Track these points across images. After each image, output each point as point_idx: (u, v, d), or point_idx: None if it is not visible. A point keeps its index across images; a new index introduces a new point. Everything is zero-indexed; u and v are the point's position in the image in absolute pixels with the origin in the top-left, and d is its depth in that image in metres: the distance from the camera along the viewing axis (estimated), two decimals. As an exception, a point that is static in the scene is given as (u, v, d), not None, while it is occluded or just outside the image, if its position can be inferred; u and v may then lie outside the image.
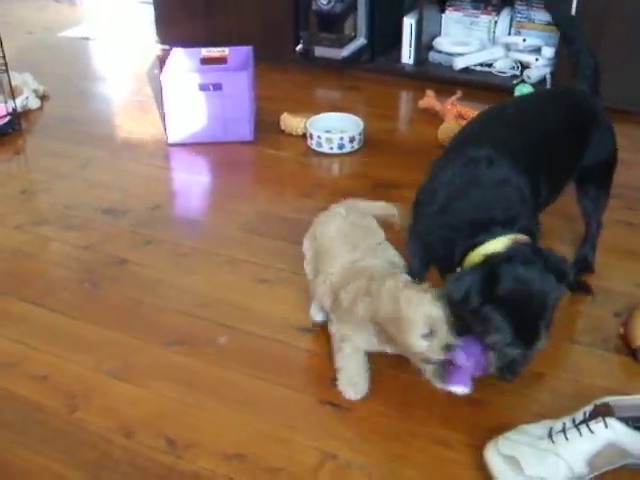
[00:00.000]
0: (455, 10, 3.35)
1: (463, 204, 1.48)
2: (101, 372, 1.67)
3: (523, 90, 2.91)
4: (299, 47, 3.38)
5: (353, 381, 1.58)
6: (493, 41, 3.32)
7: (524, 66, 3.16)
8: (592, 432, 1.35)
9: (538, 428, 1.41)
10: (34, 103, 3.02)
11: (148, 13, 3.80)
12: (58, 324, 1.82)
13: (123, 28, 4.05)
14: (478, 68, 3.23)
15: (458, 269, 1.46)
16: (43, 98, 3.11)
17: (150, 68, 3.47)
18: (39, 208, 2.38)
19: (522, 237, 1.43)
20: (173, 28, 3.56)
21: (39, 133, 2.90)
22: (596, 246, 1.97)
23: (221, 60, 2.80)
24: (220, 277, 1.99)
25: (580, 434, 1.35)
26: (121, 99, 3.19)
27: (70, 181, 2.50)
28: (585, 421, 1.37)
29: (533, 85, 2.99)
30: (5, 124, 2.77)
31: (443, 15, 3.37)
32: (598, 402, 1.40)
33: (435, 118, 2.81)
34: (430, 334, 1.40)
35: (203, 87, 2.62)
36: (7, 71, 2.79)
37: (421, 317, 1.40)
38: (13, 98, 2.82)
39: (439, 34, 3.39)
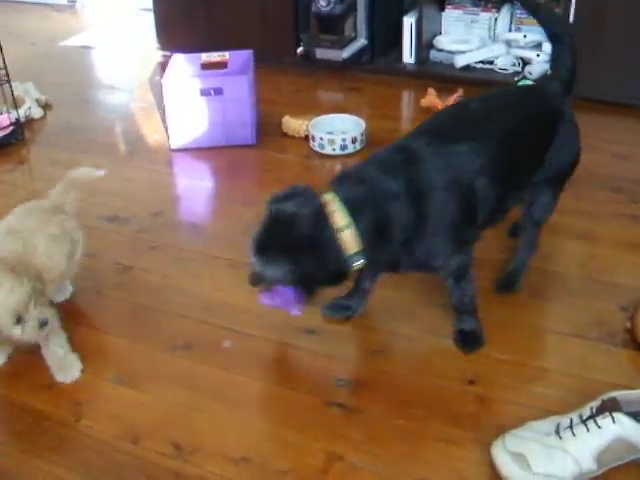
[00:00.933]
0: (455, 8, 3.34)
1: (360, 184, 1.50)
2: (106, 379, 1.68)
3: (525, 86, 2.91)
4: (300, 49, 3.39)
5: None
6: (494, 38, 3.31)
7: (525, 62, 3.15)
8: (600, 427, 1.34)
9: (545, 424, 1.41)
10: (37, 113, 3.03)
11: (148, 20, 3.81)
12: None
13: (124, 36, 4.07)
14: (479, 66, 3.23)
15: None
16: (46, 107, 3.12)
17: (151, 75, 3.48)
18: (43, 217, 2.38)
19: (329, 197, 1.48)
20: (173, 34, 3.57)
21: (43, 142, 2.91)
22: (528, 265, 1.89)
23: (222, 65, 2.80)
24: (224, 281, 1.99)
25: (587, 430, 1.35)
26: (123, 106, 3.19)
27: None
28: (592, 416, 1.36)
29: (535, 81, 2.98)
30: (8, 134, 2.78)
31: (443, 13, 3.36)
32: (605, 397, 1.39)
33: (437, 117, 2.81)
34: (18, 321, 1.48)
35: (204, 92, 2.62)
36: (9, 81, 2.81)
37: (2, 310, 1.46)
38: (16, 108, 2.83)
39: (439, 32, 3.38)
